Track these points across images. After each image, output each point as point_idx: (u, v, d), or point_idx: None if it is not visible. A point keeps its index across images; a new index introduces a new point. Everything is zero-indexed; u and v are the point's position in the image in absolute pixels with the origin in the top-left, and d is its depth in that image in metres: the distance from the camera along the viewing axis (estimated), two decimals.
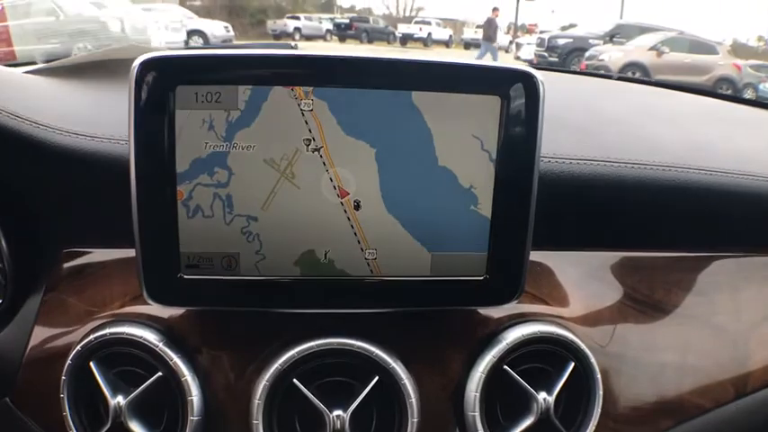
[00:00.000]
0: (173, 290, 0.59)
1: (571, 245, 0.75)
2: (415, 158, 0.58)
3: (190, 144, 0.56)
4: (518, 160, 0.59)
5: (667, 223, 0.77)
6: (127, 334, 0.62)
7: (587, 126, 0.86)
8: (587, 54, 11.88)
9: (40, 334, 0.66)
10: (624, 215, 0.76)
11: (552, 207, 0.64)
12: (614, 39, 12.43)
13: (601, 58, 11.29)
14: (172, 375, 0.62)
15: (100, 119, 0.69)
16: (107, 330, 0.62)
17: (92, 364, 0.61)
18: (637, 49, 11.51)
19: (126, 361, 0.62)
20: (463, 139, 0.58)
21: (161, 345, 0.62)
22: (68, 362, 0.61)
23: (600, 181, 0.72)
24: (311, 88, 0.56)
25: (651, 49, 11.30)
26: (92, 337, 0.61)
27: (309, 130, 0.56)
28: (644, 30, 12.55)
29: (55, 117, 0.67)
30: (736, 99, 1.39)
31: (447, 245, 0.60)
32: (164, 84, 0.54)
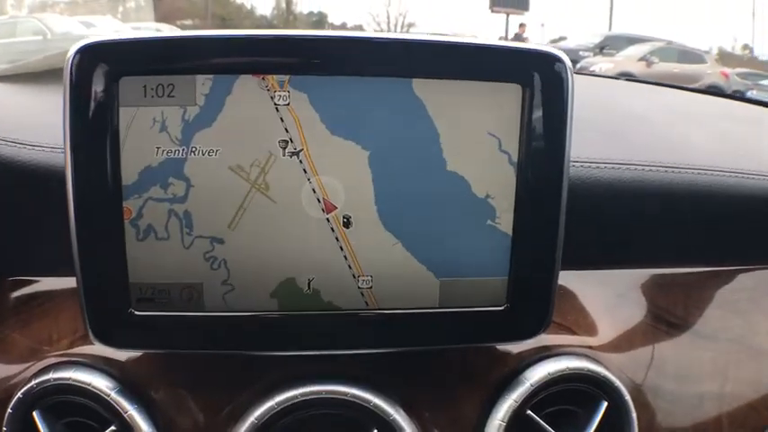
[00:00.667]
0: (122, 329, 0.50)
1: (597, 263, 0.67)
2: (418, 162, 0.49)
3: (138, 149, 0.47)
4: (544, 163, 0.50)
5: (702, 233, 0.70)
6: (73, 380, 0.53)
7: (610, 127, 0.78)
8: (578, 66, 12.02)
9: None
10: (656, 226, 0.68)
11: (576, 220, 0.56)
12: (604, 50, 12.62)
13: (592, 69, 11.44)
14: (127, 429, 0.53)
15: (48, 127, 0.61)
16: (51, 375, 0.54)
17: (35, 414, 0.53)
18: (626, 60, 11.70)
19: (77, 410, 0.54)
20: (476, 138, 0.49)
21: (113, 393, 0.53)
22: (8, 411, 0.53)
23: (629, 187, 0.64)
24: (287, 77, 0.46)
25: (641, 59, 11.48)
26: (34, 382, 0.53)
27: (286, 130, 0.47)
28: (632, 41, 12.80)
29: None
30: (746, 99, 1.35)
31: (459, 269, 0.51)
32: (105, 75, 0.45)
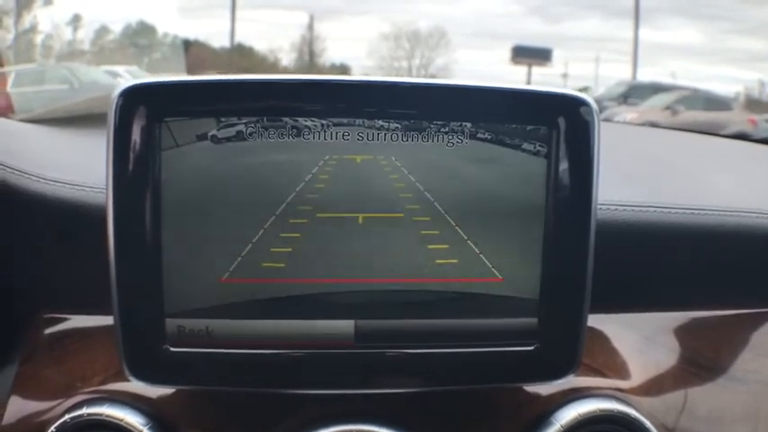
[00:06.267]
0: (158, 365, 0.50)
1: (626, 306, 0.67)
2: (449, 203, 0.49)
3: (177, 187, 0.48)
4: (572, 203, 0.50)
5: (730, 275, 0.69)
6: (106, 415, 0.53)
7: (636, 171, 0.79)
8: (602, 116, 11.89)
9: (12, 412, 0.58)
10: (684, 268, 0.67)
11: (604, 262, 0.55)
12: (628, 100, 12.49)
13: (616, 119, 11.31)
14: None
15: (88, 168, 0.62)
16: (84, 411, 0.54)
17: None
18: (651, 110, 11.54)
19: None
20: (506, 179, 0.50)
21: (146, 429, 0.53)
22: None
23: (658, 230, 0.64)
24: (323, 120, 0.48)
25: (666, 108, 11.35)
26: (67, 417, 0.53)
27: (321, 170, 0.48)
28: (657, 89, 12.63)
29: (35, 163, 0.61)
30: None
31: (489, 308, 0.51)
32: (148, 116, 0.46)
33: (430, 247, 0.50)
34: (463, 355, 0.52)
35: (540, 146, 0.49)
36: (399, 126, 0.48)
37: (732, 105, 11.81)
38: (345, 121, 0.47)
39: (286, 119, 0.47)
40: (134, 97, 0.46)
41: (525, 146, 0.49)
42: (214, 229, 0.48)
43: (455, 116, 0.49)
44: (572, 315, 0.52)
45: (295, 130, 0.47)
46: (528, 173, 0.49)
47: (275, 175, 0.48)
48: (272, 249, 0.49)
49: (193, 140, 0.47)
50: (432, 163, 0.49)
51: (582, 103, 0.49)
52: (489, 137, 0.49)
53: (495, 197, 0.50)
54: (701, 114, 10.95)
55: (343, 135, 0.48)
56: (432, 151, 0.48)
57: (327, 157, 0.48)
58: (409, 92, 0.49)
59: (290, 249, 0.49)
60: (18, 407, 0.58)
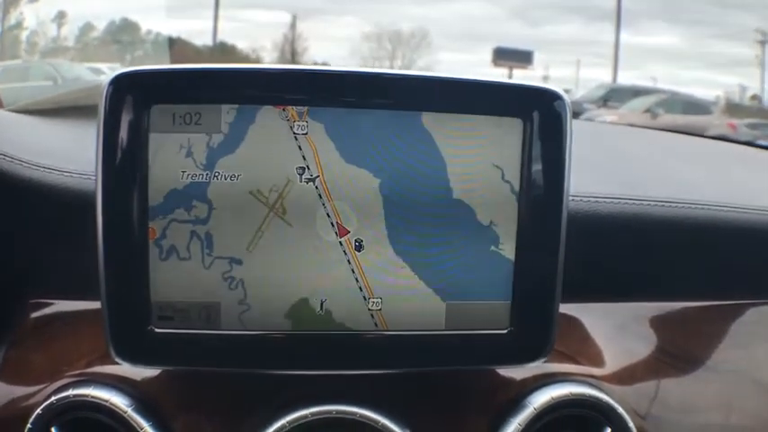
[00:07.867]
0: (142, 346, 0.51)
1: (600, 296, 0.68)
2: (426, 190, 0.51)
3: (165, 173, 0.49)
4: (544, 192, 0.52)
5: (703, 268, 0.71)
6: (92, 397, 0.54)
7: (610, 164, 0.80)
8: (582, 118, 11.85)
9: (0, 395, 0.59)
10: (657, 260, 0.69)
11: (579, 253, 0.57)
12: (608, 103, 12.52)
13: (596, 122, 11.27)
14: None
15: (78, 156, 0.63)
16: (70, 392, 0.54)
17: (53, 430, 0.54)
18: (631, 113, 11.57)
19: (93, 427, 0.55)
20: (481, 168, 0.51)
21: (130, 410, 0.54)
22: (28, 426, 0.54)
23: (630, 222, 0.66)
24: (306, 108, 0.49)
25: (645, 111, 11.39)
26: (53, 399, 0.54)
27: (303, 157, 0.49)
28: (637, 92, 12.68)
29: (24, 150, 0.61)
30: (753, 144, 1.37)
31: (464, 292, 0.52)
32: (137, 103, 0.47)
33: None
34: (438, 337, 0.53)
35: (514, 137, 0.51)
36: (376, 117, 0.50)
37: (711, 109, 11.85)
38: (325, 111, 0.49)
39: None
40: (124, 84, 0.47)
41: (500, 137, 0.51)
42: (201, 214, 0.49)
43: (437, 106, 0.50)
44: (544, 299, 0.54)
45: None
46: (501, 163, 0.51)
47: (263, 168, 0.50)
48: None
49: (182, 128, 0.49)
50: (404, 151, 0.50)
51: (555, 96, 0.51)
52: (465, 129, 0.51)
53: (469, 185, 0.51)
54: (680, 118, 10.98)
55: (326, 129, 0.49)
56: (405, 139, 0.50)
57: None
58: (387, 83, 0.50)
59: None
60: (5, 391, 0.59)
